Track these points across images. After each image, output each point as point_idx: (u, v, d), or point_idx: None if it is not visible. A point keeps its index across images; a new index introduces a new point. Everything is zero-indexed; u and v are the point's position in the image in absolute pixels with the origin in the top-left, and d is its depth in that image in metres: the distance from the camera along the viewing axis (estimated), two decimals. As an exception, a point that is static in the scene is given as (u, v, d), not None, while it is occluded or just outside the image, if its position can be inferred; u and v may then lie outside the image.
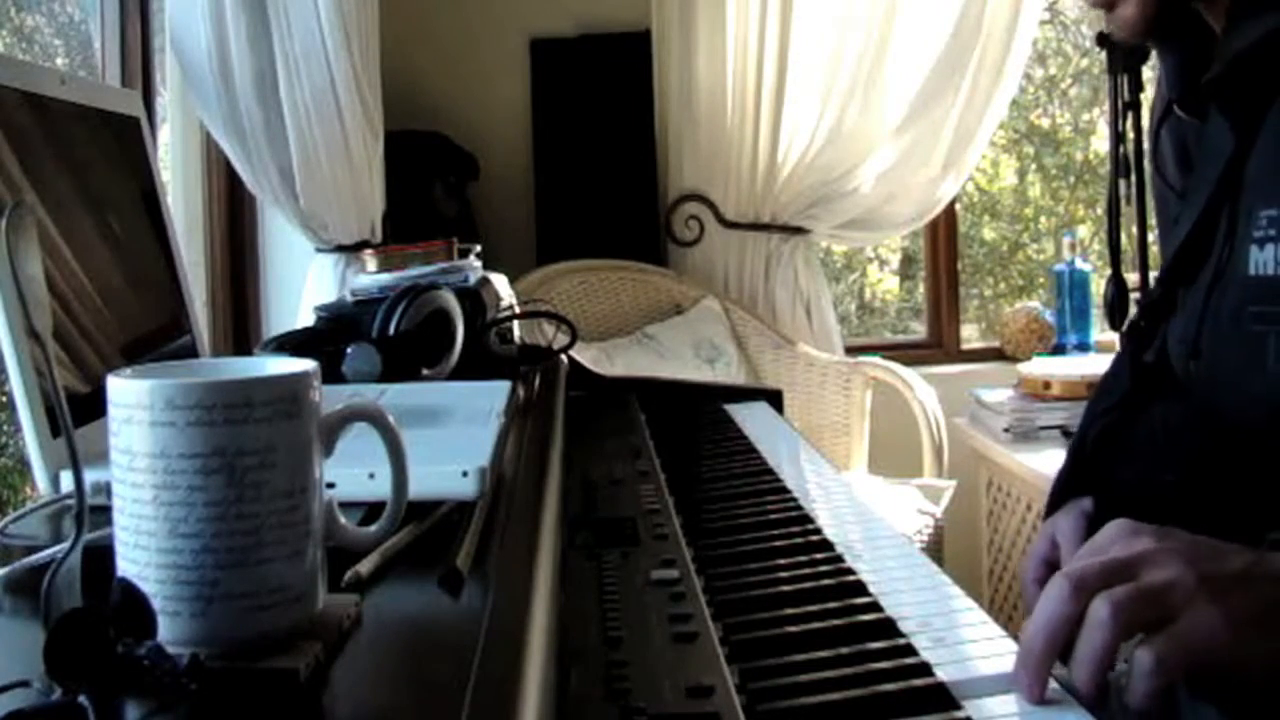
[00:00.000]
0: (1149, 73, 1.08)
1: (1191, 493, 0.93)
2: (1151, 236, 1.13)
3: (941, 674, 0.70)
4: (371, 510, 0.68)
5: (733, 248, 3.19)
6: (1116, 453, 1.03)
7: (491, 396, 1.02)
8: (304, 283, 2.48)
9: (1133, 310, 1.10)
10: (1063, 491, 1.07)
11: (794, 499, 1.11)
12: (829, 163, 3.16)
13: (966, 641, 0.77)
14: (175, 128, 2.51)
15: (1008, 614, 2.80)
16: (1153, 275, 1.08)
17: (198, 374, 0.59)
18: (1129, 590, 0.69)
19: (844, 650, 0.73)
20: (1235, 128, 0.93)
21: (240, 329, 2.62)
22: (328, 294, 2.38)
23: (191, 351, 1.13)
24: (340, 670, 0.55)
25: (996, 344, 3.53)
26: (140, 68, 2.30)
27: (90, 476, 0.59)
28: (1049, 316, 3.41)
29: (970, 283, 4.34)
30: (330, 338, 1.26)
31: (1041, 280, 4.32)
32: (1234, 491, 0.90)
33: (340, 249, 2.45)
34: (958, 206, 3.56)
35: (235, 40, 2.23)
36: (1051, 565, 1.03)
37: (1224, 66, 0.92)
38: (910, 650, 0.73)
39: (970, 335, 3.80)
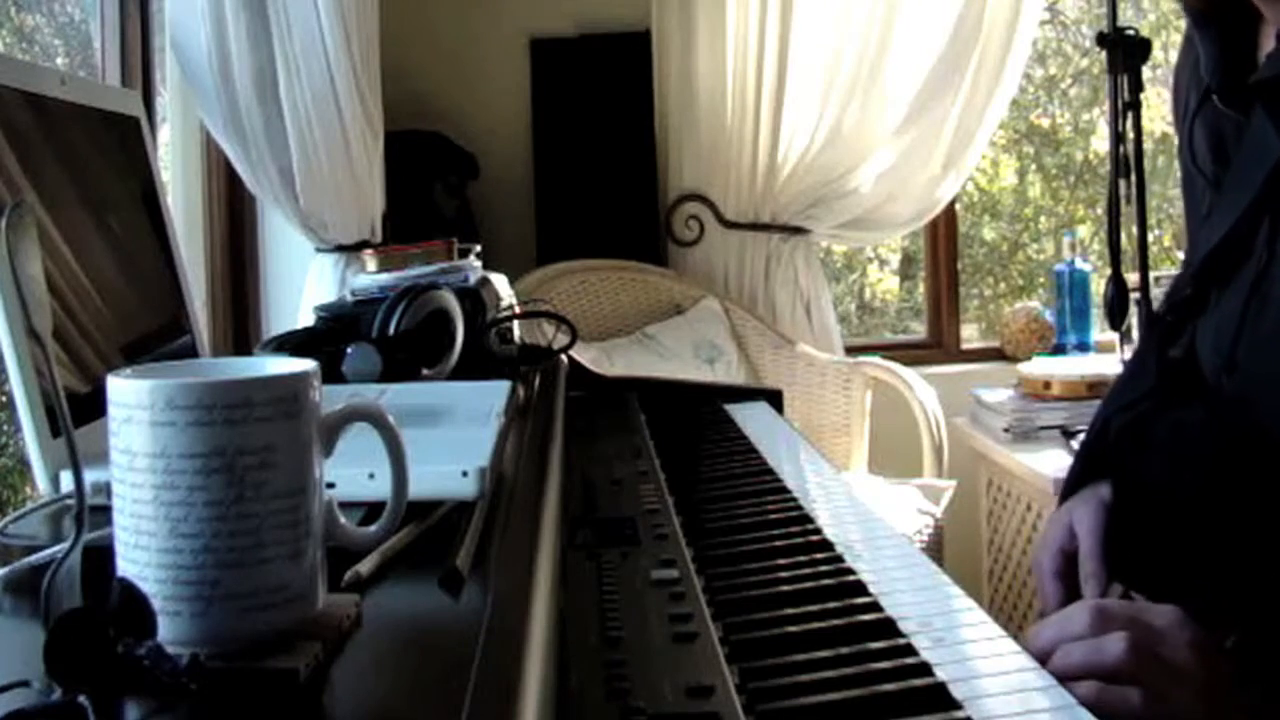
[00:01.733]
0: (1149, 73, 1.08)
1: (1214, 496, 0.91)
2: (1151, 236, 1.12)
3: (941, 674, 0.70)
4: (371, 510, 0.68)
5: (733, 248, 3.18)
6: (1140, 447, 1.01)
7: (491, 396, 1.02)
8: (304, 283, 2.48)
9: (1133, 309, 1.09)
10: (1078, 482, 1.06)
11: (794, 499, 1.11)
12: (829, 163, 3.16)
13: (966, 641, 0.77)
14: (175, 128, 2.51)
15: (1008, 614, 2.80)
16: (1153, 275, 1.07)
17: (198, 374, 0.59)
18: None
19: (844, 650, 0.73)
20: None
21: (240, 329, 2.62)
22: (328, 294, 2.38)
23: (191, 351, 1.13)
24: (340, 670, 0.55)
25: (996, 344, 3.52)
26: (140, 68, 2.29)
27: (90, 476, 0.59)
28: (1049, 316, 3.41)
29: (970, 283, 4.33)
30: (330, 338, 1.26)
31: (1041, 280, 4.32)
32: (1259, 501, 0.89)
33: (340, 249, 2.45)
34: (958, 206, 3.56)
35: (235, 40, 2.23)
36: (1069, 556, 1.01)
37: (1278, 69, 0.89)
38: (910, 650, 0.73)
39: (970, 335, 3.80)
